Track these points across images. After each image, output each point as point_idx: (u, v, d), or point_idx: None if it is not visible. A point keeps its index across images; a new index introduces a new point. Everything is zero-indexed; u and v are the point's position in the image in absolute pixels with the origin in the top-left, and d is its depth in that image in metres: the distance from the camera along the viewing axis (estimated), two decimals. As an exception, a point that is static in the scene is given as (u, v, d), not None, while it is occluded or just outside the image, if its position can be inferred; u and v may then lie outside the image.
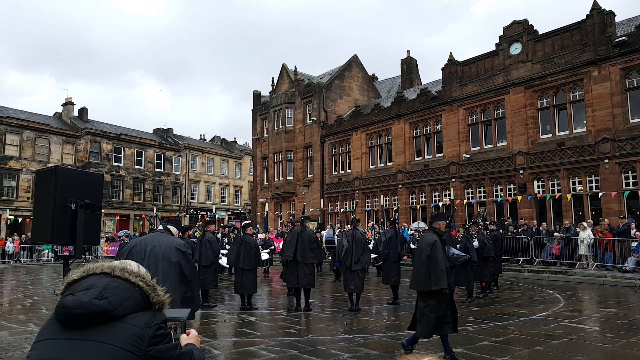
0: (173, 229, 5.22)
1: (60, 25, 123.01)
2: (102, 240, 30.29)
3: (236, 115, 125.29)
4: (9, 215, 34.70)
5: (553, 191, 21.16)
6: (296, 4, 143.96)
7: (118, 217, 41.53)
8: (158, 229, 5.32)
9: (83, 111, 43.53)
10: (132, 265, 1.84)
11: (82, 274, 1.75)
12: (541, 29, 22.43)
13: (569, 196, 20.35)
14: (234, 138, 56.65)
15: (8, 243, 28.93)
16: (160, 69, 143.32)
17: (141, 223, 41.86)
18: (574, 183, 20.61)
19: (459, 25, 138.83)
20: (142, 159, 44.24)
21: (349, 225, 17.61)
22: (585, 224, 17.51)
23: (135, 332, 1.63)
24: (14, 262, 28.26)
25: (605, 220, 17.66)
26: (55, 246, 28.06)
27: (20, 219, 34.81)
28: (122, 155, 42.70)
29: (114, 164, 42.02)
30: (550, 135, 21.59)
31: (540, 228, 19.29)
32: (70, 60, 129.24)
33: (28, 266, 26.90)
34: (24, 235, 30.33)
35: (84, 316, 1.60)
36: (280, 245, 15.78)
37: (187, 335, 2.01)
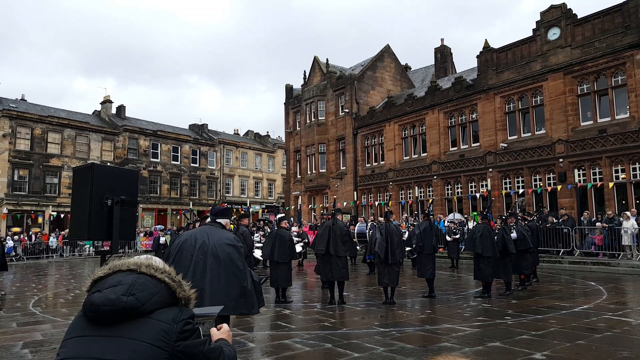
0: (223, 220, 4.93)
1: (124, 34, 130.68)
2: (141, 235, 31.08)
3: (277, 111, 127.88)
4: (52, 211, 35.86)
5: (594, 180, 20.47)
6: (348, 5, 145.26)
7: (156, 212, 42.49)
8: (207, 221, 5.17)
9: (121, 109, 44.58)
10: (157, 261, 1.85)
11: (108, 271, 1.76)
12: (580, 13, 21.68)
13: (610, 184, 19.66)
14: (267, 132, 57.11)
15: (51, 238, 30.01)
16: (214, 71, 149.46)
17: (178, 217, 42.71)
18: (616, 171, 19.88)
19: (506, 22, 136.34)
20: (179, 154, 45.10)
21: (381, 218, 17.48)
22: (629, 213, 16.87)
23: (163, 327, 1.64)
24: (57, 257, 29.33)
25: (651, 209, 17.02)
26: (95, 241, 29.03)
27: (62, 215, 35.94)
28: (159, 151, 43.60)
29: (152, 159, 42.93)
30: (591, 122, 20.88)
31: (582, 218, 18.72)
32: (131, 66, 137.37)
33: (70, 260, 27.94)
34: (66, 231, 31.41)
35: (112, 313, 1.62)
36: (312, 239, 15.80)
37: (219, 330, 2.00)
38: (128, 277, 1.71)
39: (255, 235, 18.12)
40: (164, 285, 1.74)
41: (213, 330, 2.00)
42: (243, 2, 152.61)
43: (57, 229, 32.66)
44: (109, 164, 35.77)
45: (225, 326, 2.03)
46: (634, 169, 19.34)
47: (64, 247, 30.35)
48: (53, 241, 29.75)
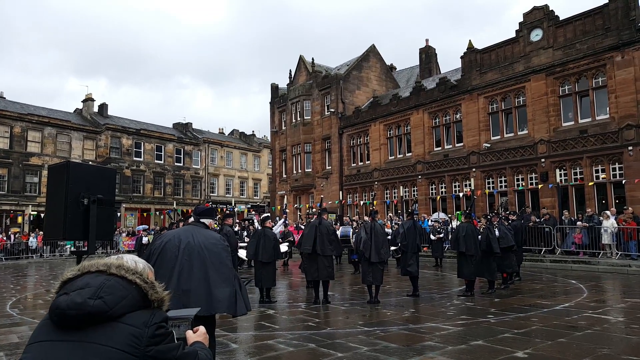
0: (207, 220, 4.78)
1: (117, 34, 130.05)
2: (124, 235, 30.70)
3: (266, 111, 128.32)
4: (32, 211, 35.22)
5: (575, 179, 20.73)
6: (342, 8, 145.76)
7: (139, 212, 42.03)
8: (190, 221, 4.97)
9: (103, 107, 44.00)
10: (129, 261, 1.77)
11: (77, 272, 1.69)
12: (562, 15, 21.93)
13: (590, 183, 19.93)
14: (252, 131, 56.86)
15: (31, 238, 29.49)
16: (206, 72, 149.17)
17: (162, 217, 42.31)
18: (596, 171, 20.16)
19: (496, 27, 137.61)
20: (162, 153, 44.65)
21: (367, 218, 17.47)
22: (608, 212, 17.13)
23: (133, 332, 1.56)
24: (37, 257, 28.85)
25: (629, 208, 17.26)
26: (77, 241, 28.60)
27: (42, 215, 35.29)
28: (142, 150, 43.10)
29: (135, 158, 42.45)
30: (572, 122, 21.13)
31: (563, 217, 18.93)
32: (123, 67, 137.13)
33: (51, 261, 27.48)
34: (46, 231, 30.90)
35: (79, 317, 1.54)
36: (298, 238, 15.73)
37: (195, 332, 1.93)
38: (96, 279, 1.63)
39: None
40: (135, 287, 1.66)
41: (189, 333, 1.92)
42: (237, 3, 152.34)
43: (37, 229, 32.03)
44: (91, 162, 35.26)
45: (201, 328, 1.96)
46: (614, 169, 19.62)
47: (44, 247, 29.81)
48: (33, 241, 29.21)
